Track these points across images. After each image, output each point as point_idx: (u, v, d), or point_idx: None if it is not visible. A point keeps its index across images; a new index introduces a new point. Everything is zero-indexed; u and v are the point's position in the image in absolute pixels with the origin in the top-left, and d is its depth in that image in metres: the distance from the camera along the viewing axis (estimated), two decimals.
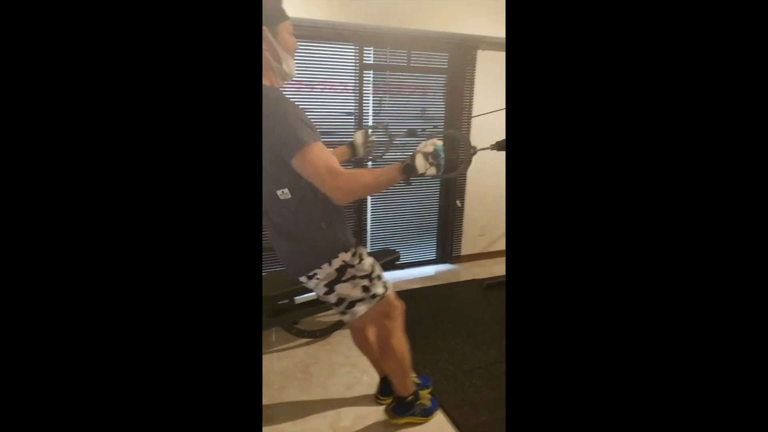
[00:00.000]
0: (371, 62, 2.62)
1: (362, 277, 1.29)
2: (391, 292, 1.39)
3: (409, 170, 1.11)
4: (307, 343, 2.13)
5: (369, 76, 2.65)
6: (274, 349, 2.09)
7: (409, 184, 1.22)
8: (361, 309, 1.31)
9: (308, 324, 2.22)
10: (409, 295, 2.63)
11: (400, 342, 1.45)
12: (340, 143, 1.57)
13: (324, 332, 2.19)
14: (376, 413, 1.66)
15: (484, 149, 1.28)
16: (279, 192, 1.17)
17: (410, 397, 1.57)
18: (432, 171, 1.11)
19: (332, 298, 1.30)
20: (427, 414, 1.63)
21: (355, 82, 2.58)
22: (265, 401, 1.71)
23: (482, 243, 3.26)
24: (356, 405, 1.71)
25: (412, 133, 1.56)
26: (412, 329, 1.58)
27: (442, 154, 1.11)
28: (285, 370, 1.91)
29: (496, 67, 2.88)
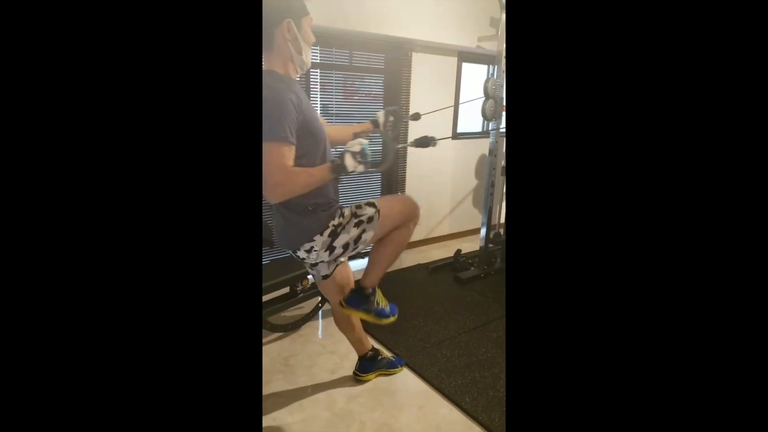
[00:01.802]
0: (317, 61, 2.69)
1: (348, 223, 1.37)
2: (394, 204, 1.45)
3: (339, 170, 1.20)
4: (278, 338, 2.17)
5: (315, 75, 2.71)
6: None
7: (339, 181, 1.34)
8: (368, 235, 1.39)
9: (277, 319, 2.25)
10: None
11: (406, 239, 1.50)
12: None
13: (295, 326, 2.24)
14: (367, 391, 1.80)
15: (405, 146, 1.41)
16: None
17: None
18: (360, 168, 1.20)
19: (338, 251, 1.38)
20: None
21: (302, 80, 2.63)
22: None
23: (421, 231, 3.52)
24: (344, 386, 1.83)
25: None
26: None
27: (369, 152, 1.20)
28: (265, 366, 1.94)
29: (429, 69, 3.13)
